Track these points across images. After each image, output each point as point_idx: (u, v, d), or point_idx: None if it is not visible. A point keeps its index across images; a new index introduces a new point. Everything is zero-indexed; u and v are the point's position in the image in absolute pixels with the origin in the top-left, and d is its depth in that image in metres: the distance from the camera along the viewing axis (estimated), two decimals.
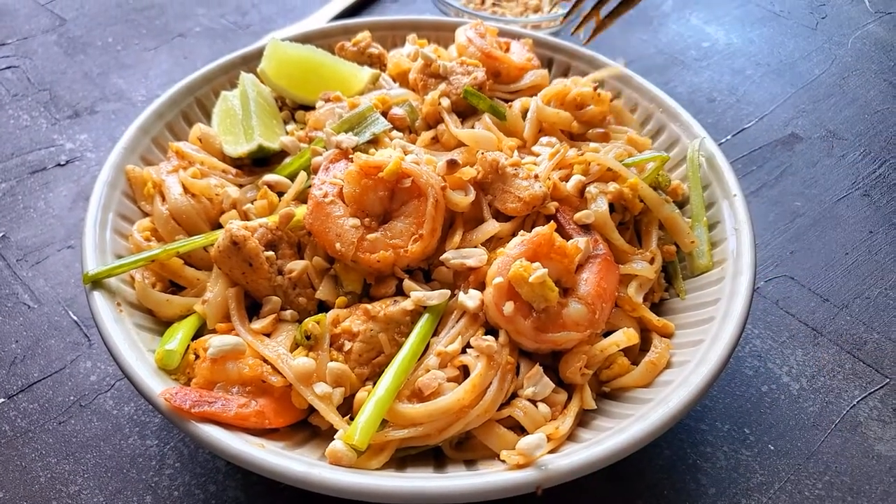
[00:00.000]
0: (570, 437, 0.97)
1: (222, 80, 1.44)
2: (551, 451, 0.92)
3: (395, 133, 1.25)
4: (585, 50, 1.52)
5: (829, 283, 1.44)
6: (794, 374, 1.27)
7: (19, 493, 1.06)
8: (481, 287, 1.04)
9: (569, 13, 1.39)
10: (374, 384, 0.94)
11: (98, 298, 1.02)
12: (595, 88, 1.31)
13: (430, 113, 1.27)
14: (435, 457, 0.98)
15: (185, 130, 1.36)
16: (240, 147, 1.26)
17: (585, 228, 1.12)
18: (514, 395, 0.99)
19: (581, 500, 1.08)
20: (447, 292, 1.02)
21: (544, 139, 1.25)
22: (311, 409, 0.96)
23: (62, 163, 1.63)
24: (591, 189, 1.15)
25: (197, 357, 0.99)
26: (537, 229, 1.04)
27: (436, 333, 1.01)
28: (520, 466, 0.87)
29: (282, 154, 1.26)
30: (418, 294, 1.00)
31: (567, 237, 1.08)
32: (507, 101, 1.37)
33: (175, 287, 1.13)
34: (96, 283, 1.04)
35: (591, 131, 1.31)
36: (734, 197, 1.21)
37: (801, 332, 1.34)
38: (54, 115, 1.76)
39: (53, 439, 1.13)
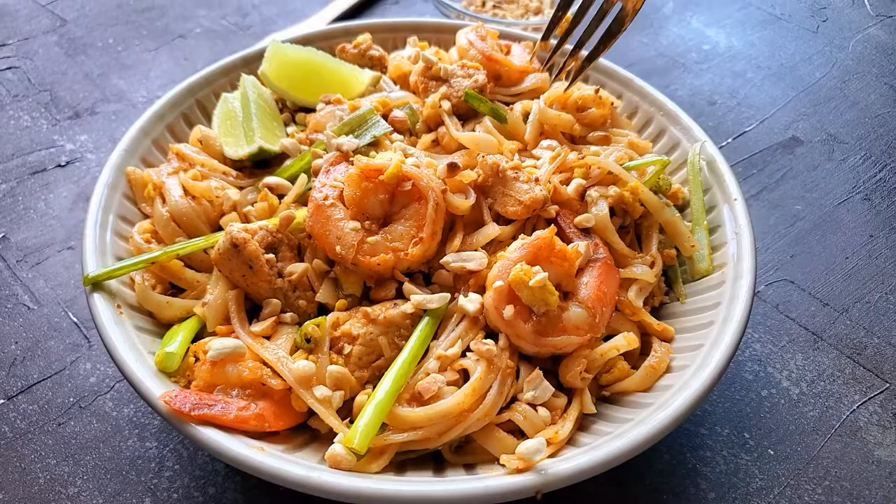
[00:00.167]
0: (570, 441, 0.97)
1: (223, 82, 1.44)
2: (551, 456, 0.92)
3: (395, 136, 1.25)
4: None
5: (829, 287, 1.44)
6: (794, 379, 1.27)
7: (19, 495, 1.06)
8: (481, 290, 1.04)
9: (548, 62, 1.37)
10: (374, 387, 0.94)
11: (98, 300, 1.02)
12: (597, 91, 1.31)
13: (431, 116, 1.27)
14: (434, 461, 0.98)
15: (185, 132, 1.35)
16: (240, 149, 1.26)
17: (586, 232, 1.12)
18: (514, 399, 0.99)
19: None
20: (447, 296, 1.02)
21: (545, 142, 1.25)
22: (311, 413, 0.96)
23: (62, 164, 1.63)
24: (592, 192, 1.15)
25: (197, 359, 0.99)
26: (538, 233, 1.04)
27: (436, 337, 1.01)
28: (519, 471, 0.87)
29: (282, 156, 1.26)
30: (418, 297, 1.00)
31: (567, 241, 1.07)
32: (507, 103, 1.37)
33: (175, 289, 1.13)
34: (96, 284, 1.04)
35: (591, 135, 1.31)
36: (735, 201, 1.21)
37: (801, 337, 1.34)
38: (55, 115, 1.76)
39: (53, 441, 1.13)
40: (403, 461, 0.96)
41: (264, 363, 0.97)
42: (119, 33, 2.06)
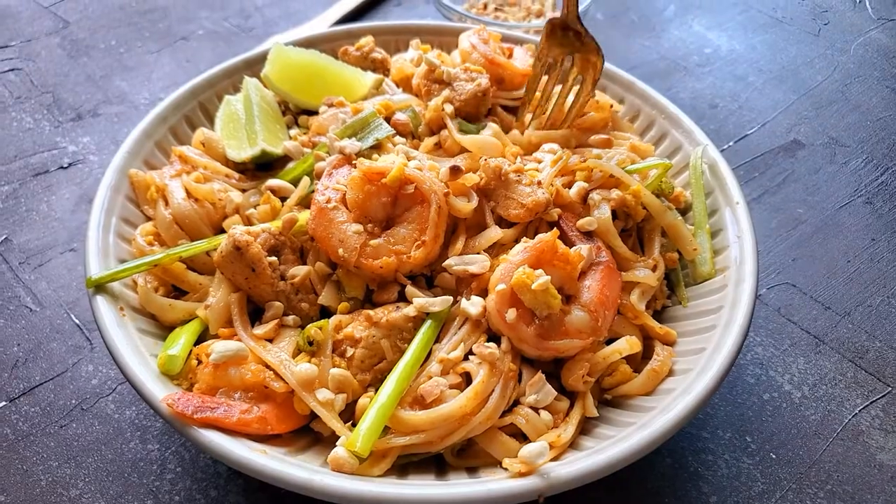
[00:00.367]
0: (573, 444, 0.97)
1: (225, 85, 1.44)
2: (553, 459, 0.92)
3: (398, 138, 1.25)
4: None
5: (831, 290, 1.44)
6: (796, 383, 1.27)
7: (20, 497, 1.06)
8: (484, 294, 1.04)
9: (525, 110, 1.35)
10: (377, 391, 0.94)
11: (101, 303, 1.02)
12: (594, 95, 1.31)
13: (433, 119, 1.27)
14: (437, 464, 0.98)
15: (188, 134, 1.36)
16: (243, 152, 1.26)
17: (588, 235, 1.12)
18: (517, 403, 0.99)
19: None
20: (449, 299, 1.02)
21: (547, 146, 1.25)
22: (314, 416, 0.96)
23: (65, 165, 1.63)
24: (594, 196, 1.15)
25: (199, 362, 0.99)
26: (540, 236, 1.04)
27: (438, 340, 1.01)
28: (522, 474, 0.87)
29: (285, 159, 1.26)
30: (421, 300, 1.00)
31: (570, 244, 1.08)
32: (509, 107, 1.37)
33: (178, 292, 1.13)
34: (99, 287, 1.04)
35: (593, 138, 1.31)
36: (737, 205, 1.21)
37: (802, 340, 1.34)
38: (57, 117, 1.76)
39: (55, 443, 1.13)
40: (406, 464, 0.96)
41: (267, 366, 0.97)
42: (121, 35, 2.06)
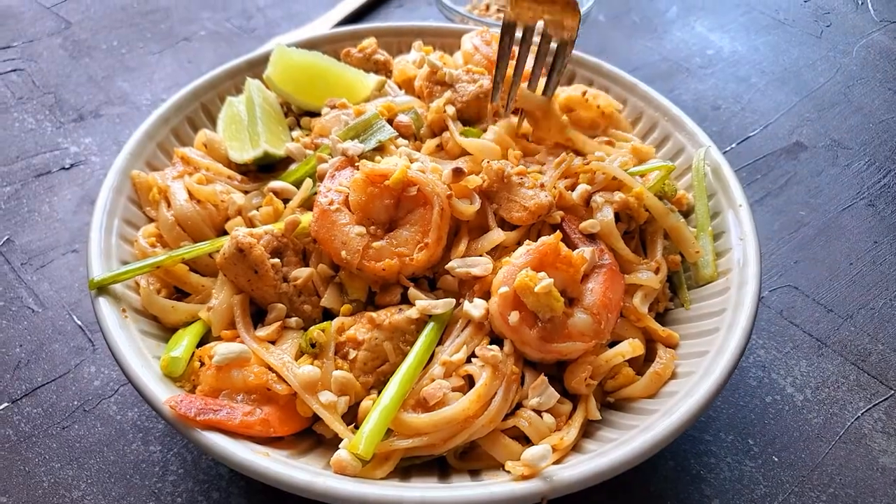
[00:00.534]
0: (575, 447, 0.97)
1: (228, 86, 1.44)
2: (556, 462, 0.91)
3: (400, 140, 1.25)
4: (591, 57, 1.52)
5: (833, 293, 1.43)
6: (799, 385, 1.27)
7: (23, 499, 1.06)
8: (486, 296, 1.04)
9: (497, 93, 1.25)
10: (379, 393, 0.94)
11: (103, 304, 1.02)
12: (584, 93, 1.31)
13: (435, 120, 1.27)
14: (439, 467, 0.98)
15: (190, 136, 1.36)
16: (245, 153, 1.26)
17: (591, 238, 1.12)
18: (519, 406, 0.99)
19: None
20: (452, 301, 1.02)
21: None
22: (316, 418, 0.96)
23: (67, 166, 1.63)
24: (597, 198, 1.15)
25: (202, 364, 0.99)
26: (543, 238, 1.04)
27: (440, 342, 1.01)
28: (524, 477, 0.87)
29: (287, 160, 1.26)
30: (423, 303, 1.00)
31: (573, 247, 1.07)
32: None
33: (180, 293, 1.13)
34: (101, 288, 1.04)
35: (596, 140, 1.31)
36: (740, 207, 1.21)
37: (805, 343, 1.34)
38: (59, 118, 1.76)
39: (57, 444, 1.13)
40: (408, 467, 0.96)
41: (269, 368, 0.97)
42: (123, 36, 2.06)
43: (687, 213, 1.28)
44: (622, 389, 1.06)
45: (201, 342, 1.04)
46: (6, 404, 1.18)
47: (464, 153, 1.23)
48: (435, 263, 1.08)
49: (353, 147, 1.15)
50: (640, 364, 1.09)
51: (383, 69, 1.49)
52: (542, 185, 1.12)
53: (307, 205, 1.16)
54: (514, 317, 0.97)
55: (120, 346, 0.97)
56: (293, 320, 1.04)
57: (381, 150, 1.21)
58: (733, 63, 2.09)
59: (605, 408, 1.06)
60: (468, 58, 1.43)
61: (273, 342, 1.01)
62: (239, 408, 0.93)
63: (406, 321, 1.00)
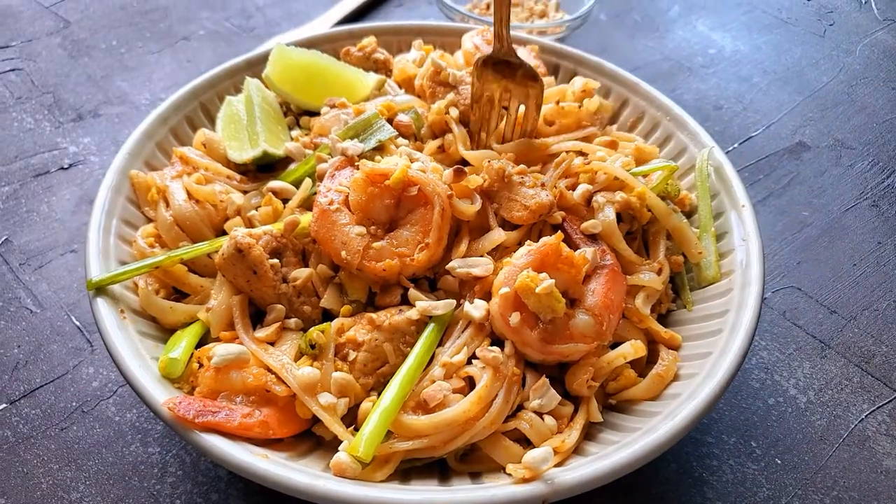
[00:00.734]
0: (577, 450, 0.96)
1: (227, 85, 1.43)
2: (557, 465, 0.91)
3: (400, 140, 1.24)
4: (592, 56, 1.51)
5: (836, 294, 1.43)
6: (802, 387, 1.26)
7: (21, 500, 1.06)
8: (487, 297, 1.03)
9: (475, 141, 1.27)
10: (379, 395, 0.93)
11: (101, 305, 1.01)
12: (557, 103, 1.30)
13: (437, 122, 1.26)
14: (440, 469, 0.97)
15: (189, 135, 1.35)
16: (244, 153, 1.25)
17: (592, 238, 1.11)
18: (520, 408, 0.98)
19: None
20: (453, 302, 1.02)
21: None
22: (316, 420, 0.95)
23: (65, 166, 1.62)
24: (599, 198, 1.14)
25: (200, 365, 0.98)
26: (544, 239, 1.03)
27: (441, 344, 1.00)
28: (525, 480, 0.86)
29: (286, 160, 1.26)
30: (424, 303, 1.00)
31: (574, 247, 1.07)
32: None
33: (179, 294, 1.12)
34: (100, 289, 1.03)
35: (597, 140, 1.30)
36: (742, 208, 1.20)
37: (808, 345, 1.33)
38: (58, 118, 1.75)
39: (55, 445, 1.12)
40: (408, 469, 0.95)
41: (268, 369, 0.96)
42: (122, 35, 2.05)
43: (689, 213, 1.27)
44: (624, 391, 1.05)
45: (200, 343, 1.03)
46: (4, 405, 1.17)
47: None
48: (435, 264, 1.07)
49: (353, 146, 1.14)
50: (643, 366, 1.08)
51: (383, 68, 1.48)
52: (542, 185, 1.11)
53: (307, 205, 1.15)
54: (515, 318, 0.97)
55: (118, 347, 0.96)
56: (292, 321, 1.03)
57: (381, 149, 1.20)
58: (735, 62, 2.08)
59: (607, 410, 1.05)
60: (469, 57, 1.42)
61: (272, 343, 1.00)
62: (238, 409, 0.92)
63: (406, 322, 0.99)
